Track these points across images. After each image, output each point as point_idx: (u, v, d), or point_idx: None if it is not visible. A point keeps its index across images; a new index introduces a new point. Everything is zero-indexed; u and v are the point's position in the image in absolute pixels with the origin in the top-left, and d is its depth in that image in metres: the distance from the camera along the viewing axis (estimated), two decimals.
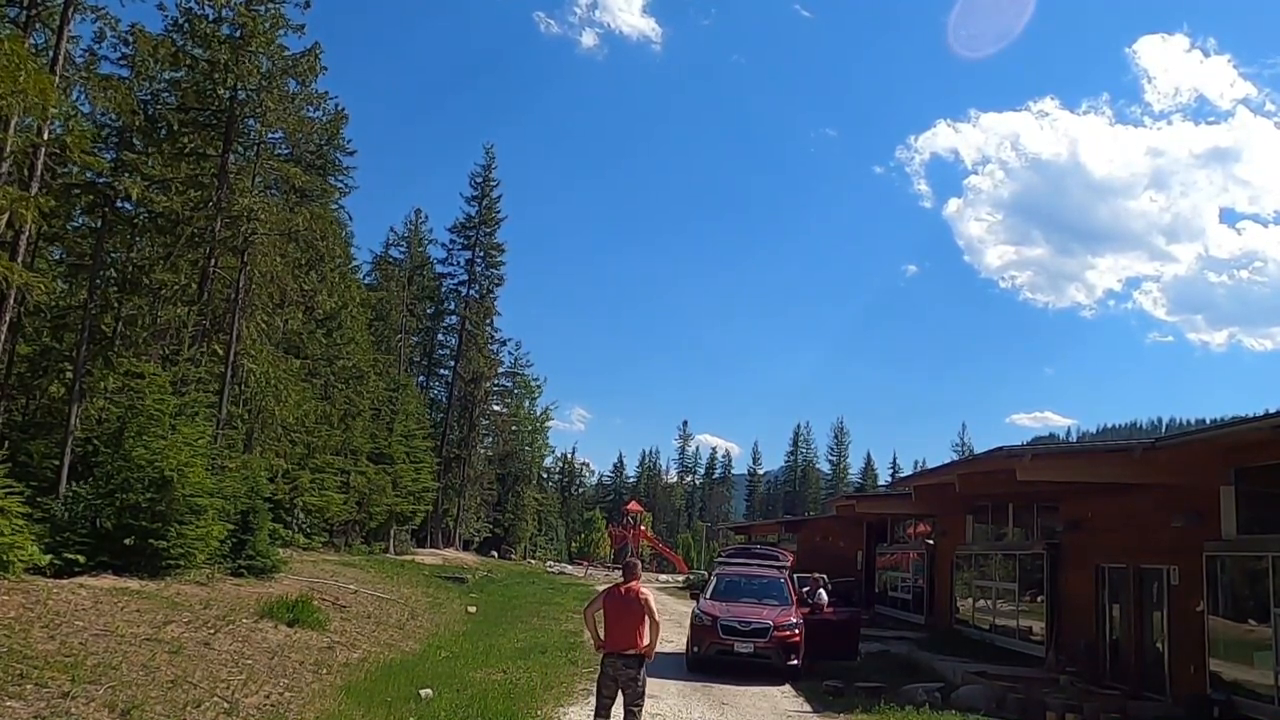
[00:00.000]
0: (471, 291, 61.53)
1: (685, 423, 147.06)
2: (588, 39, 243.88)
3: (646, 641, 8.35)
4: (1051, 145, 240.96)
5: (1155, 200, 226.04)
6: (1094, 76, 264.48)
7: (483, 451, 63.86)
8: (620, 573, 9.51)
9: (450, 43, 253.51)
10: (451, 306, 62.74)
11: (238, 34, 24.79)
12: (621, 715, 8.27)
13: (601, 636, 8.49)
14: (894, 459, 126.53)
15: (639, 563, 9.56)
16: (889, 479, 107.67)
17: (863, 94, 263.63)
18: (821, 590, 18.35)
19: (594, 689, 8.73)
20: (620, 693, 8.25)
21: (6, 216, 15.94)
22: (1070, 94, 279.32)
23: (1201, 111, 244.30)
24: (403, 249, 64.65)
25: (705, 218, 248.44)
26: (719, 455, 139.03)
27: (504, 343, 66.22)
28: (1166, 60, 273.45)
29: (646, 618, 8.35)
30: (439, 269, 63.53)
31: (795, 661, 15.16)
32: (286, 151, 30.70)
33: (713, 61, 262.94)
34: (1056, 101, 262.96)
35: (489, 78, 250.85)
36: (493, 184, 62.54)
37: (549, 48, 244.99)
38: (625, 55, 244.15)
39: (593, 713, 8.58)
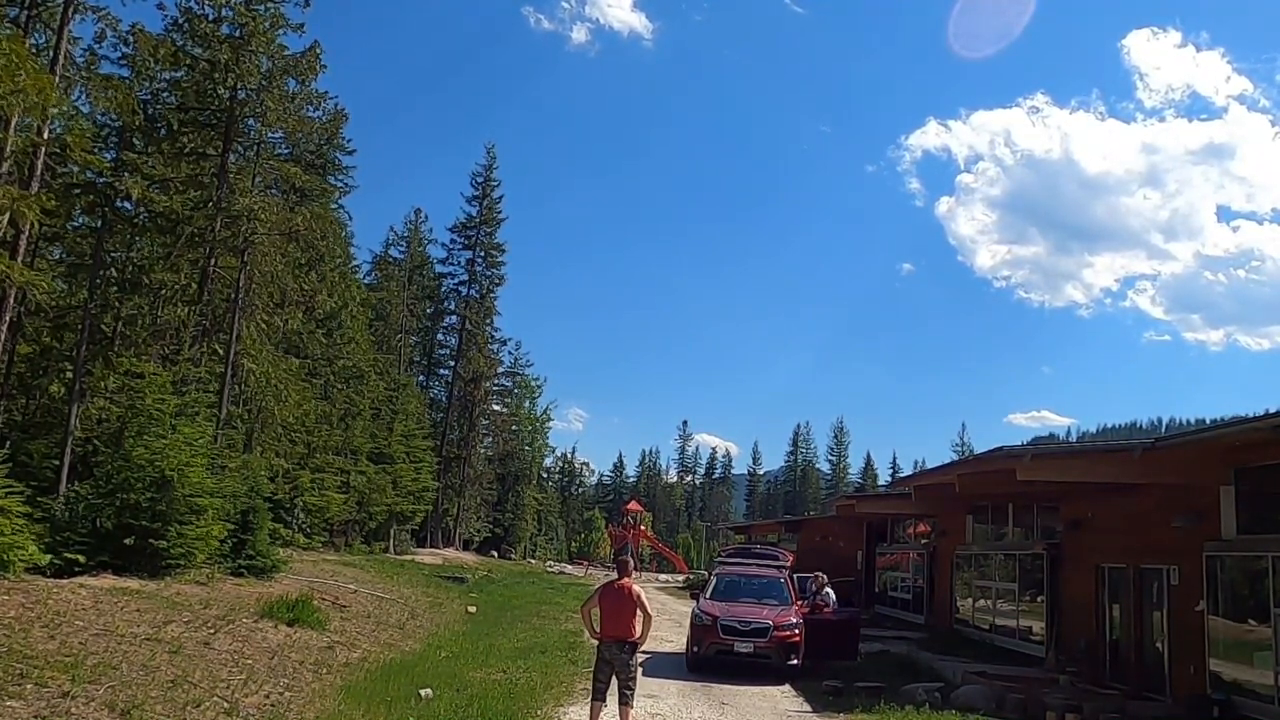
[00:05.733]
0: (472, 291, 61.53)
1: (685, 423, 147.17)
2: (578, 35, 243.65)
3: (639, 632, 9.24)
4: (1044, 142, 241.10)
5: (1149, 198, 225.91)
6: (1084, 73, 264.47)
7: (483, 451, 63.83)
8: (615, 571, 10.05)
9: (442, 40, 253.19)
10: (451, 306, 62.75)
11: (238, 33, 24.80)
12: (617, 699, 9.12)
13: (597, 628, 9.39)
14: (894, 459, 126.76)
15: (631, 560, 10.43)
16: (889, 479, 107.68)
17: (854, 91, 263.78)
18: (828, 589, 18.26)
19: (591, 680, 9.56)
20: (614, 676, 9.12)
21: (7, 216, 15.94)
22: (1061, 91, 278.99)
23: (1195, 108, 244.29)
24: (403, 249, 64.66)
25: (702, 215, 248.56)
26: (719, 455, 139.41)
27: (504, 343, 66.30)
28: (1158, 56, 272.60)
29: (639, 610, 9.23)
30: (439, 269, 63.65)
31: (795, 661, 15.16)
32: (286, 151, 30.68)
33: (705, 58, 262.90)
34: (1047, 98, 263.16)
35: (483, 76, 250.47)
36: (494, 184, 62.61)
37: (540, 44, 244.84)
38: (617, 52, 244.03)
39: (590, 699, 9.34)
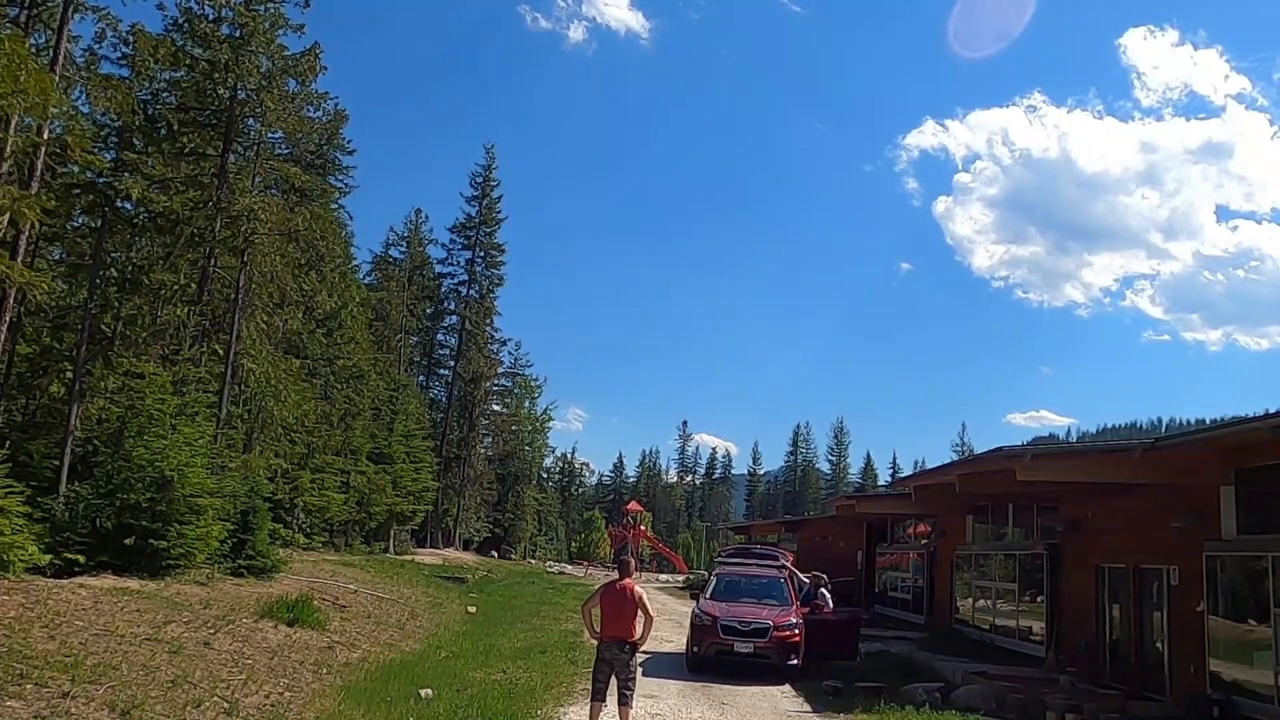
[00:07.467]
0: (471, 291, 61.56)
1: (685, 423, 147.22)
2: (575, 33, 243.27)
3: (639, 633, 9.25)
4: (1041, 141, 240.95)
5: (1148, 198, 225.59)
6: (1081, 72, 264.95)
7: (483, 451, 63.84)
8: (616, 571, 10.05)
9: (439, 40, 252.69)
10: (451, 306, 62.80)
11: (238, 34, 24.78)
12: (616, 699, 9.17)
13: (598, 628, 9.39)
14: (894, 459, 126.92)
15: (632, 560, 10.47)
16: (889, 479, 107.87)
17: (852, 90, 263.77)
18: (823, 590, 18.23)
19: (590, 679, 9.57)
20: (614, 676, 9.14)
21: (7, 216, 15.93)
22: (1058, 90, 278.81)
23: (1193, 106, 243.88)
24: (403, 249, 64.67)
25: (700, 214, 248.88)
26: (719, 455, 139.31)
27: (504, 343, 66.33)
28: (1156, 55, 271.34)
29: (640, 611, 9.24)
30: (439, 269, 63.68)
31: (795, 661, 15.16)
32: (286, 151, 30.67)
33: (702, 56, 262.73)
34: (1044, 97, 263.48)
35: (480, 75, 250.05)
36: (493, 184, 62.67)
37: (537, 43, 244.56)
38: (614, 50, 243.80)
39: (589, 699, 9.35)
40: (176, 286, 24.59)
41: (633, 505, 73.35)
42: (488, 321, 62.23)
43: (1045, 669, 16.24)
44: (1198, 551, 12.98)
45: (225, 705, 8.84)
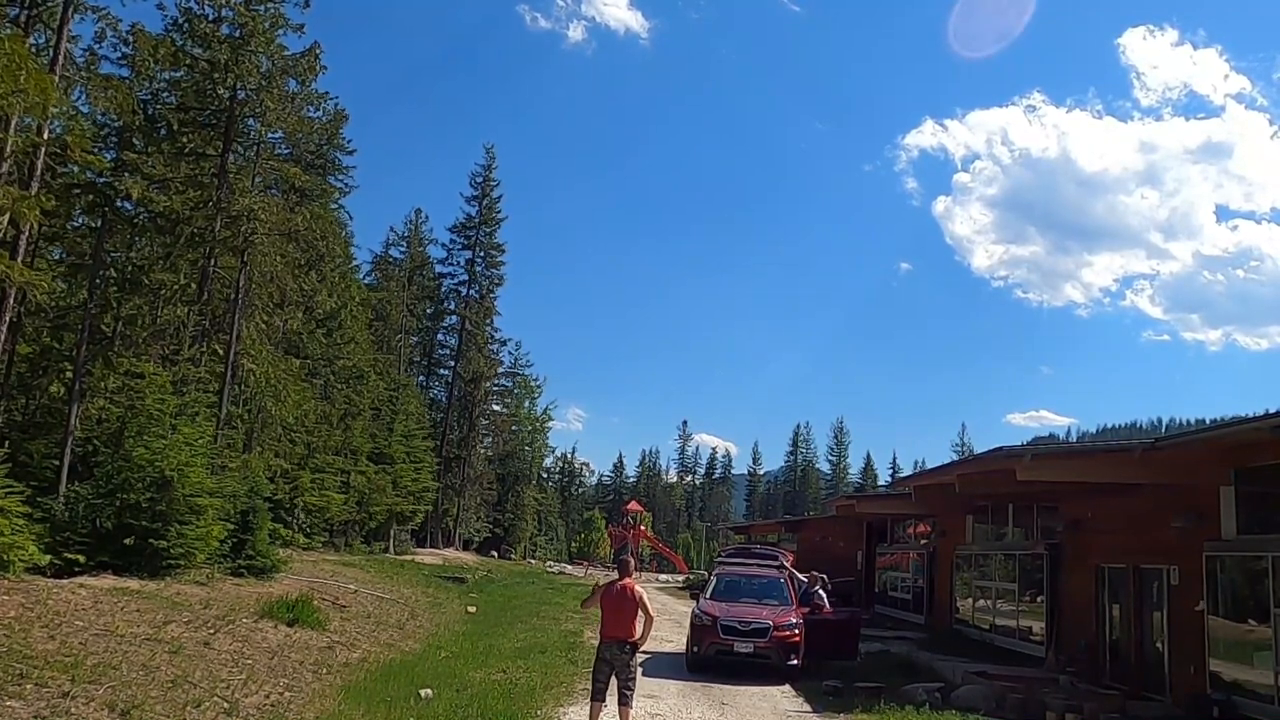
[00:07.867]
0: (471, 291, 61.58)
1: (685, 423, 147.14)
2: (575, 33, 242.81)
3: (639, 633, 9.20)
4: (1041, 141, 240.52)
5: (1147, 197, 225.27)
6: (1081, 71, 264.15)
7: (483, 451, 63.84)
8: (616, 571, 10.06)
9: (438, 40, 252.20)
10: (451, 306, 62.81)
11: (238, 34, 24.79)
12: (616, 699, 9.20)
13: (597, 609, 9.48)
14: (894, 459, 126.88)
15: (632, 560, 10.49)
16: (889, 479, 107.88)
17: (851, 90, 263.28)
18: (819, 589, 18.20)
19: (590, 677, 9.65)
20: (614, 676, 9.15)
21: (7, 216, 15.94)
22: (1057, 89, 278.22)
23: (1193, 106, 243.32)
24: (403, 249, 64.70)
25: (700, 214, 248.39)
26: (719, 455, 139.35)
27: (504, 343, 66.31)
28: (1155, 54, 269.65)
29: (640, 611, 9.24)
30: (439, 269, 63.67)
31: (795, 661, 15.16)
32: (286, 151, 30.68)
33: (702, 56, 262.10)
34: (1044, 97, 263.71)
35: (479, 75, 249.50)
36: (493, 184, 62.67)
37: (537, 43, 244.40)
38: (613, 50, 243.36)
39: (589, 699, 9.38)
40: (176, 286, 24.60)
41: (633, 505, 73.36)
42: (488, 321, 62.27)
43: (1045, 669, 16.24)
44: (1198, 551, 12.98)
45: (225, 705, 8.84)
